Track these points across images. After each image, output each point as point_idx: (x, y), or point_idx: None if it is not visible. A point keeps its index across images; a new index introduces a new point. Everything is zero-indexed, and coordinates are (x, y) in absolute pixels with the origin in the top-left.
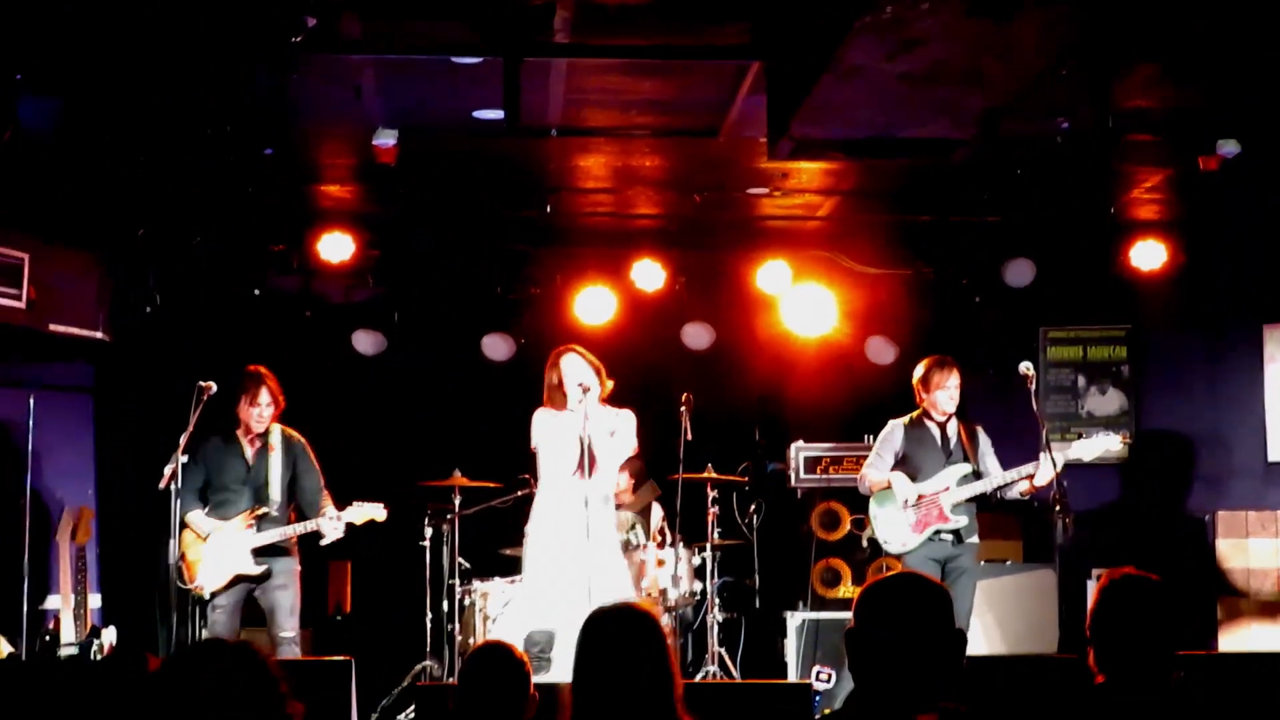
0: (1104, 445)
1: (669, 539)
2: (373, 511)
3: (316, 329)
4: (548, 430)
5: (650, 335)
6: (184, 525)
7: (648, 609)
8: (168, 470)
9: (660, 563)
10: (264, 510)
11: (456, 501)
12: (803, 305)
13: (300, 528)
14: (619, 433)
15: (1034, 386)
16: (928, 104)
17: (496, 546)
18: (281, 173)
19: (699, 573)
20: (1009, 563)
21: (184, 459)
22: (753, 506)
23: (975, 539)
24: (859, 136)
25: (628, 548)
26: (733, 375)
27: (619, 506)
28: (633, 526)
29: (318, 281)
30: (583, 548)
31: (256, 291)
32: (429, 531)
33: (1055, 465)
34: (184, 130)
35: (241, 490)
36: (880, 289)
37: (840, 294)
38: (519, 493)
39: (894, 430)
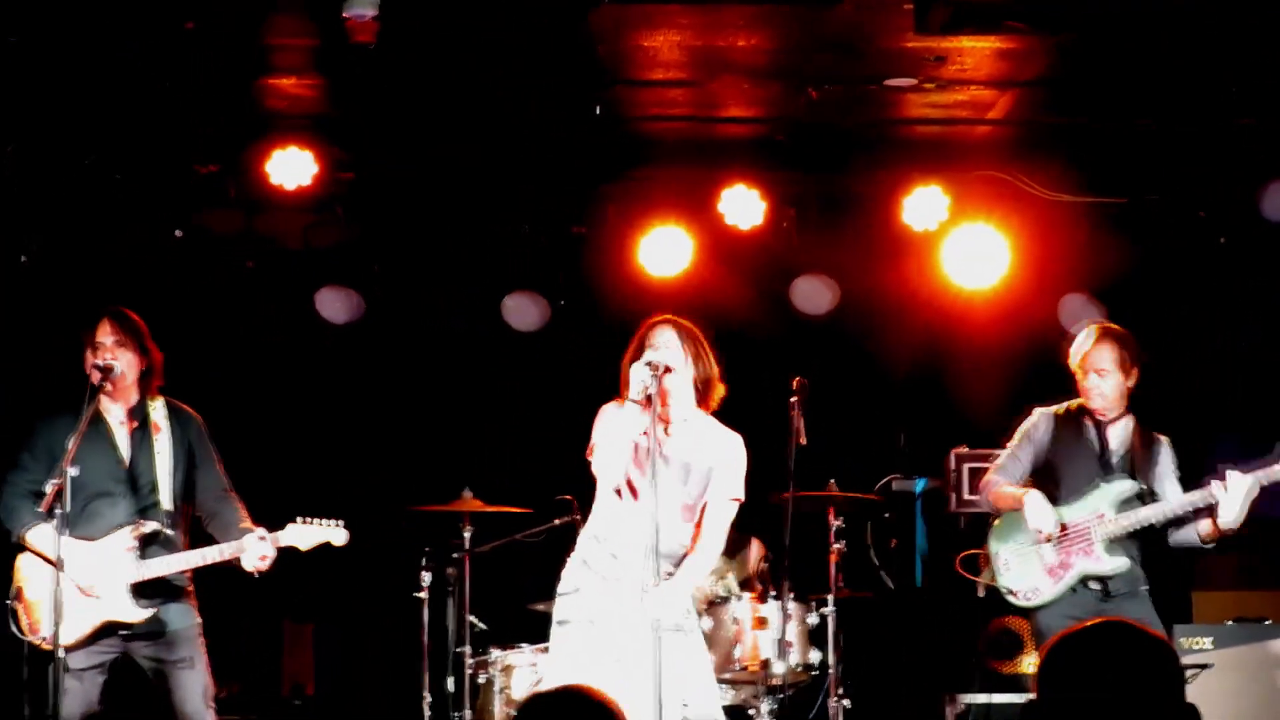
0: None
1: (772, 588)
2: (327, 534)
3: (263, 285)
4: (607, 430)
5: (744, 293)
6: (19, 547)
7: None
8: (50, 487)
9: (760, 623)
10: (152, 526)
11: (467, 535)
12: (967, 249)
13: (212, 554)
14: (718, 470)
15: None
16: None
17: (524, 600)
18: (212, 59)
19: (816, 637)
20: (1269, 623)
21: (73, 472)
22: (894, 541)
23: (1141, 587)
24: None
25: (712, 604)
26: (865, 351)
27: None
28: (721, 575)
29: (265, 218)
30: (632, 635)
31: (178, 233)
32: (427, 578)
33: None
34: None
35: (115, 494)
36: (1079, 225)
37: (1021, 233)
38: (557, 521)
39: (1039, 423)
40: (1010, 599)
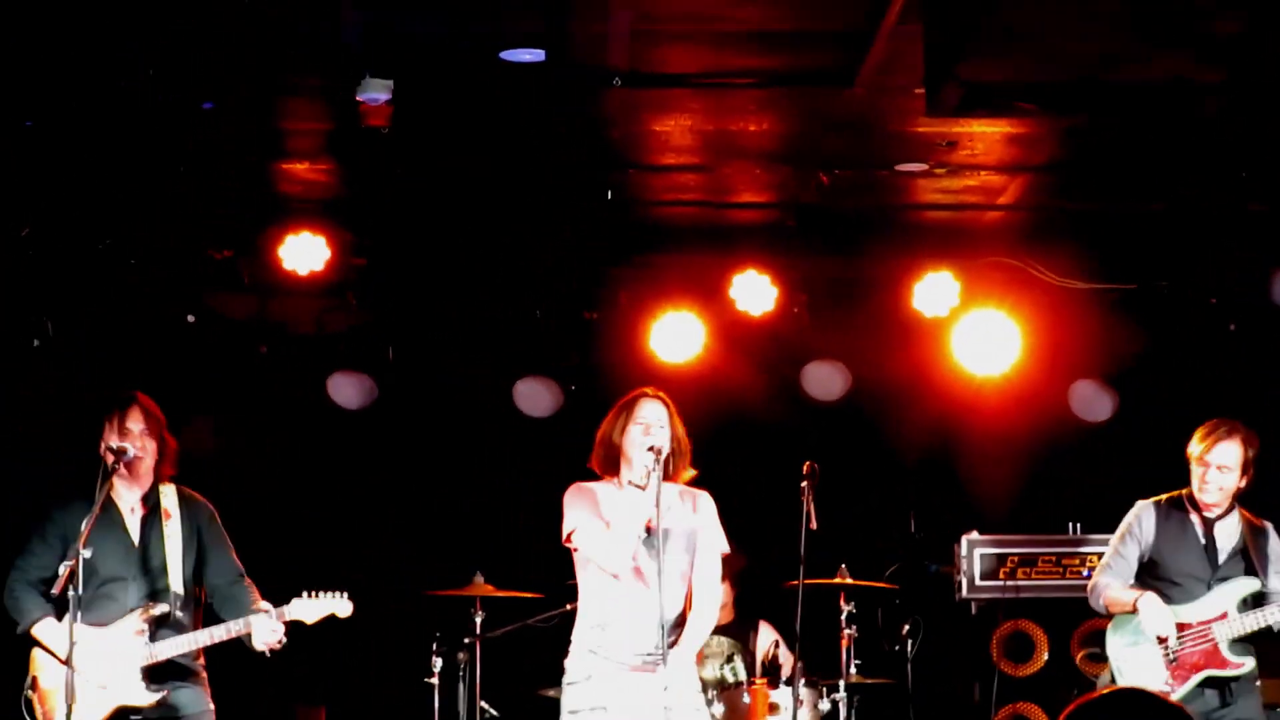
0: None
1: (784, 673)
2: (332, 605)
3: (276, 370)
4: (589, 515)
5: (756, 379)
6: (31, 639)
7: None
8: (64, 569)
9: (772, 708)
10: (162, 609)
11: (478, 620)
12: (978, 335)
13: (220, 632)
14: (699, 530)
15: None
16: (1159, 29)
17: (535, 685)
18: (227, 143)
19: None
20: None
21: (86, 554)
22: (906, 627)
23: (1255, 682)
24: (1060, 80)
25: (722, 689)
26: (876, 436)
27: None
28: (729, 658)
29: (278, 302)
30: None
31: (191, 317)
32: (439, 662)
33: None
34: (89, 78)
35: (126, 579)
36: (1090, 312)
37: (1032, 319)
38: (568, 606)
39: (1142, 517)
40: None
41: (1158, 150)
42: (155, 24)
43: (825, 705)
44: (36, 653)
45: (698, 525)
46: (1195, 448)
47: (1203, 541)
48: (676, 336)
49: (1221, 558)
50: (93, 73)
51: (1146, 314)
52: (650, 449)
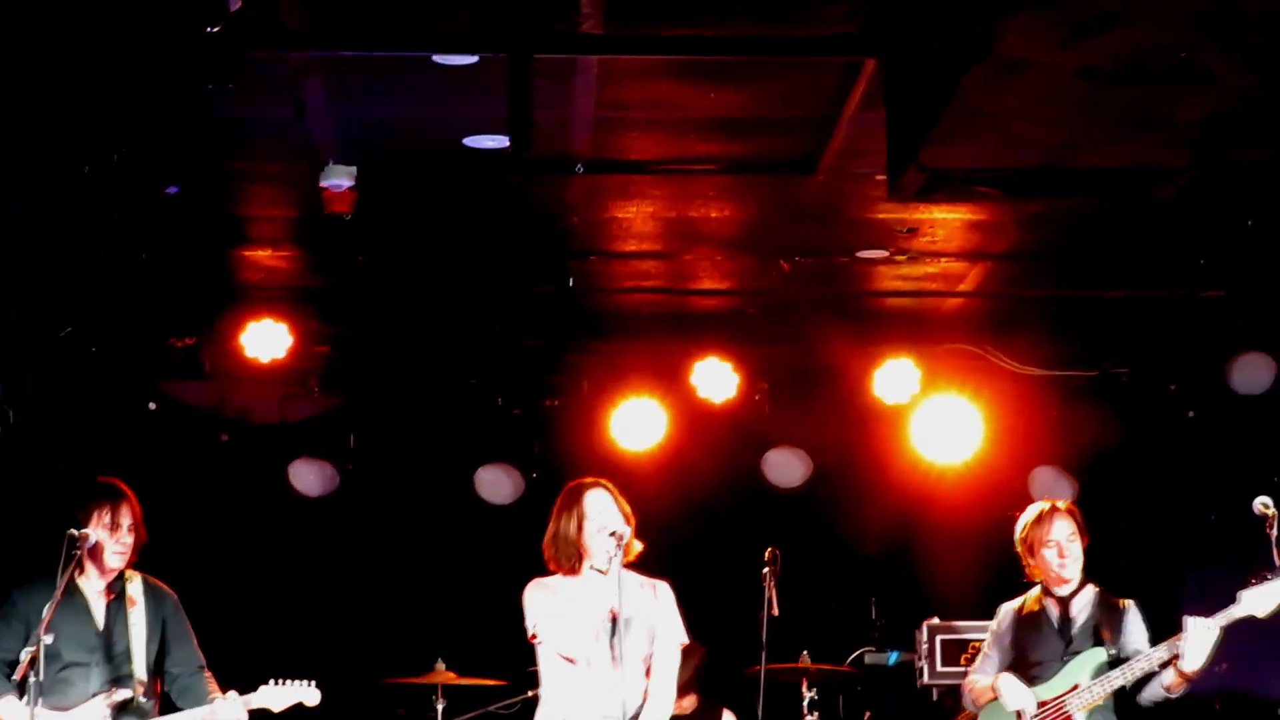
0: None
1: None
2: (300, 694)
3: (237, 458)
4: (550, 608)
5: (718, 466)
6: None
7: None
8: (25, 655)
9: None
10: (125, 694)
11: (440, 707)
12: (938, 421)
13: (184, 719)
14: (658, 620)
15: (1276, 532)
16: (1121, 115)
17: None
18: (189, 228)
19: None
20: None
21: (48, 640)
22: (868, 714)
23: None
24: (1021, 166)
25: None
26: (838, 523)
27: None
28: None
29: (239, 389)
30: None
31: (151, 405)
32: None
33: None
34: (46, 159)
35: (89, 664)
36: (1049, 398)
37: (992, 405)
38: (530, 693)
39: (1001, 620)
40: None
41: (1116, 238)
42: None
43: None
44: None
45: (656, 615)
46: (1035, 533)
47: (1056, 625)
48: (638, 423)
49: (1074, 633)
50: (56, 156)
51: (1106, 401)
52: (612, 534)
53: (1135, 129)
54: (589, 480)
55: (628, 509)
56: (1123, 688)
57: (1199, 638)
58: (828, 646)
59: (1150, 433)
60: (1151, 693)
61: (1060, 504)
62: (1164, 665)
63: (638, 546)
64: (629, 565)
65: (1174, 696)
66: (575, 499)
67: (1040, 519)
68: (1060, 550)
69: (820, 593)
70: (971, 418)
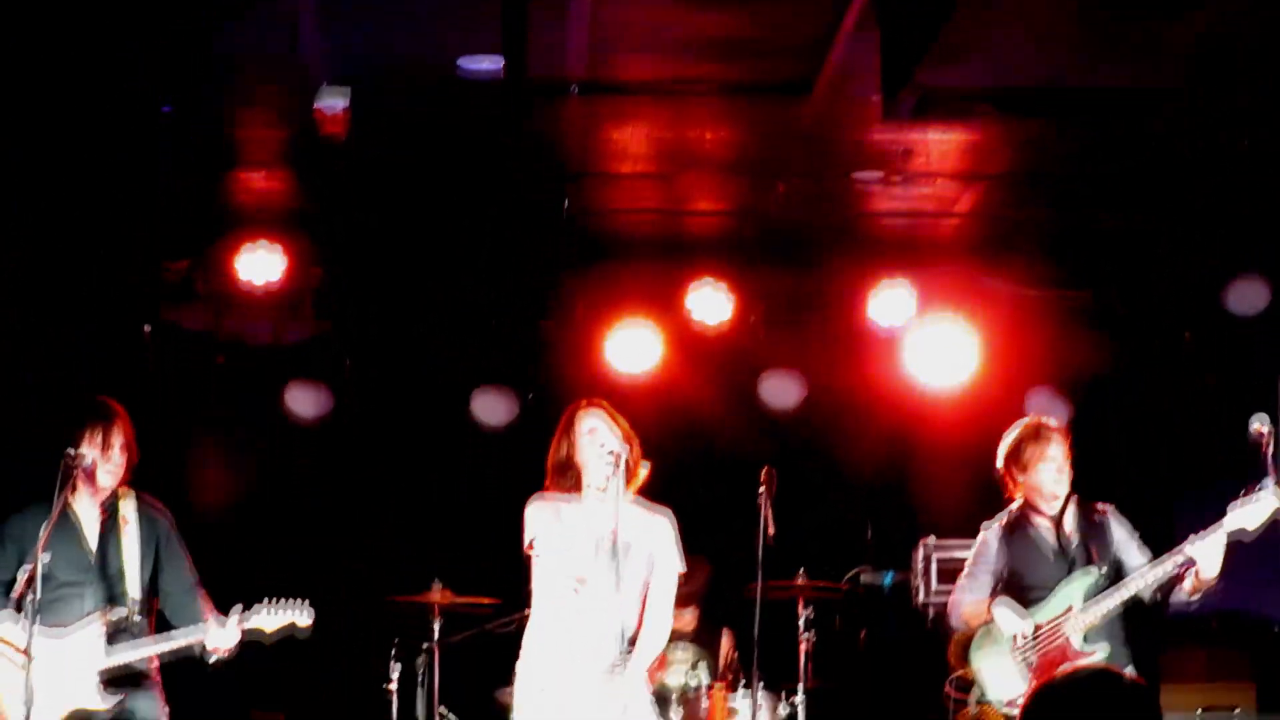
0: (1270, 506)
1: (742, 679)
2: (292, 615)
3: (232, 381)
4: (550, 525)
5: (713, 390)
6: None
7: None
8: (23, 575)
9: (730, 714)
10: (120, 614)
11: (436, 626)
12: (933, 345)
13: (177, 638)
14: (657, 548)
15: (1272, 449)
16: (1117, 36)
17: (492, 687)
18: (183, 152)
19: None
20: (1238, 711)
21: (45, 558)
22: (863, 633)
23: (1126, 668)
24: (1016, 85)
25: (684, 696)
26: (833, 445)
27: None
28: (694, 665)
29: (234, 314)
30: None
31: (147, 328)
32: (397, 668)
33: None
34: (39, 79)
35: (83, 584)
36: (1044, 321)
37: (987, 328)
38: (526, 611)
39: (987, 540)
40: (1009, 710)
41: (1111, 160)
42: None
43: (784, 710)
44: None
45: (655, 541)
46: (1034, 450)
47: (1054, 544)
48: (633, 347)
49: (1072, 549)
50: (52, 79)
51: (1102, 323)
52: (610, 453)
53: (1130, 50)
54: (586, 401)
55: (628, 429)
56: (1123, 603)
57: (1207, 549)
58: (824, 566)
59: (1146, 355)
60: (1176, 599)
61: (1053, 422)
62: (1171, 581)
63: (644, 471)
64: (638, 492)
65: (1195, 599)
66: (572, 421)
67: (1040, 435)
68: (1059, 467)
69: (816, 513)
70: (967, 339)
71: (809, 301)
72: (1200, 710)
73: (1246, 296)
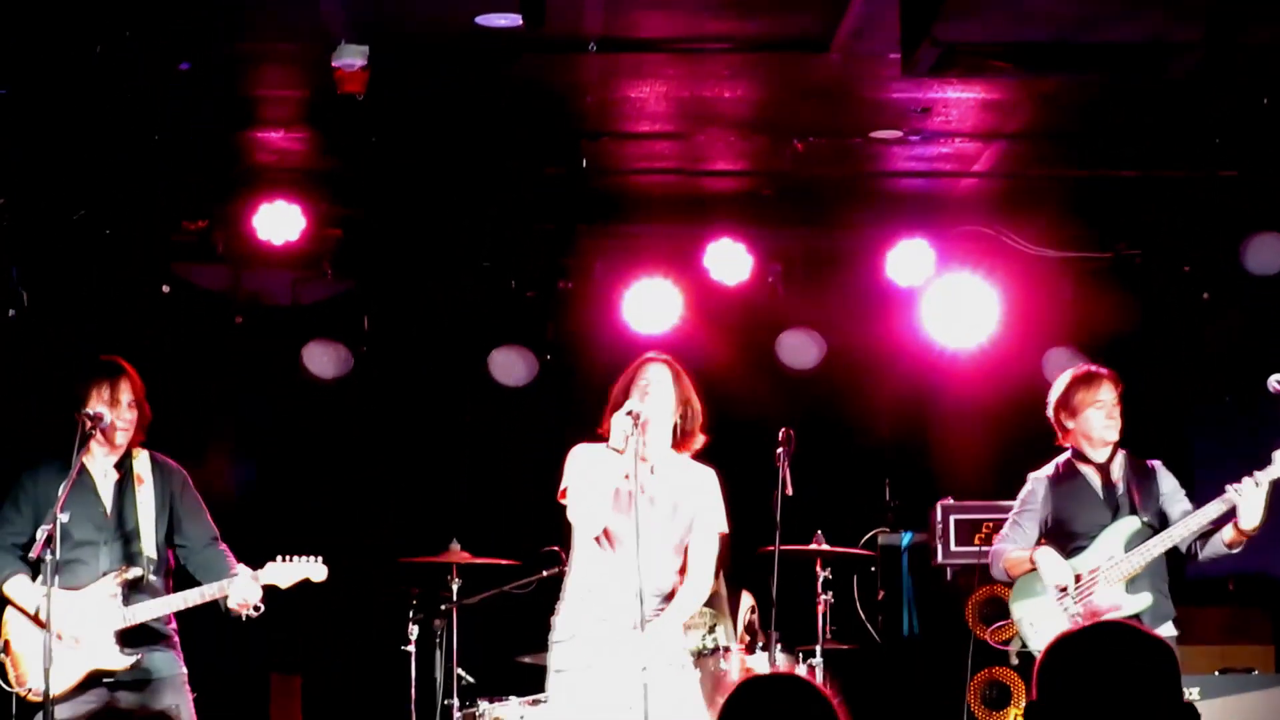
0: None
1: (761, 639)
2: (306, 569)
3: (250, 340)
4: (583, 474)
5: (731, 348)
6: (3, 601)
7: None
8: (41, 533)
9: (748, 674)
10: (135, 572)
11: (455, 587)
12: (952, 304)
13: (195, 596)
14: (701, 508)
15: None
16: None
17: (513, 651)
18: (202, 111)
19: None
20: (1256, 673)
21: (64, 517)
22: (881, 593)
23: (1170, 629)
24: (1035, 40)
25: (701, 656)
26: (851, 405)
27: None
28: (712, 628)
29: (253, 272)
30: (631, 680)
31: (165, 288)
32: (415, 630)
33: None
34: (59, 43)
35: (98, 542)
36: (1063, 280)
37: (1006, 287)
38: (544, 573)
39: (1034, 489)
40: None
41: (1131, 116)
42: None
43: (801, 670)
44: (8, 616)
45: (695, 500)
46: (1084, 395)
47: (1100, 493)
48: (650, 306)
49: (1118, 497)
50: (68, 37)
51: (1121, 283)
52: (628, 414)
53: (1149, 2)
54: (654, 355)
55: (688, 394)
56: (1174, 552)
57: (1250, 496)
58: (842, 527)
59: (1164, 315)
60: (1213, 549)
61: (1100, 368)
62: (1216, 524)
63: (699, 439)
64: (694, 455)
65: (1234, 552)
66: (634, 370)
67: (1091, 380)
68: (1109, 412)
69: (834, 474)
70: (985, 299)
71: (827, 260)
72: (1218, 671)
73: (1265, 255)
